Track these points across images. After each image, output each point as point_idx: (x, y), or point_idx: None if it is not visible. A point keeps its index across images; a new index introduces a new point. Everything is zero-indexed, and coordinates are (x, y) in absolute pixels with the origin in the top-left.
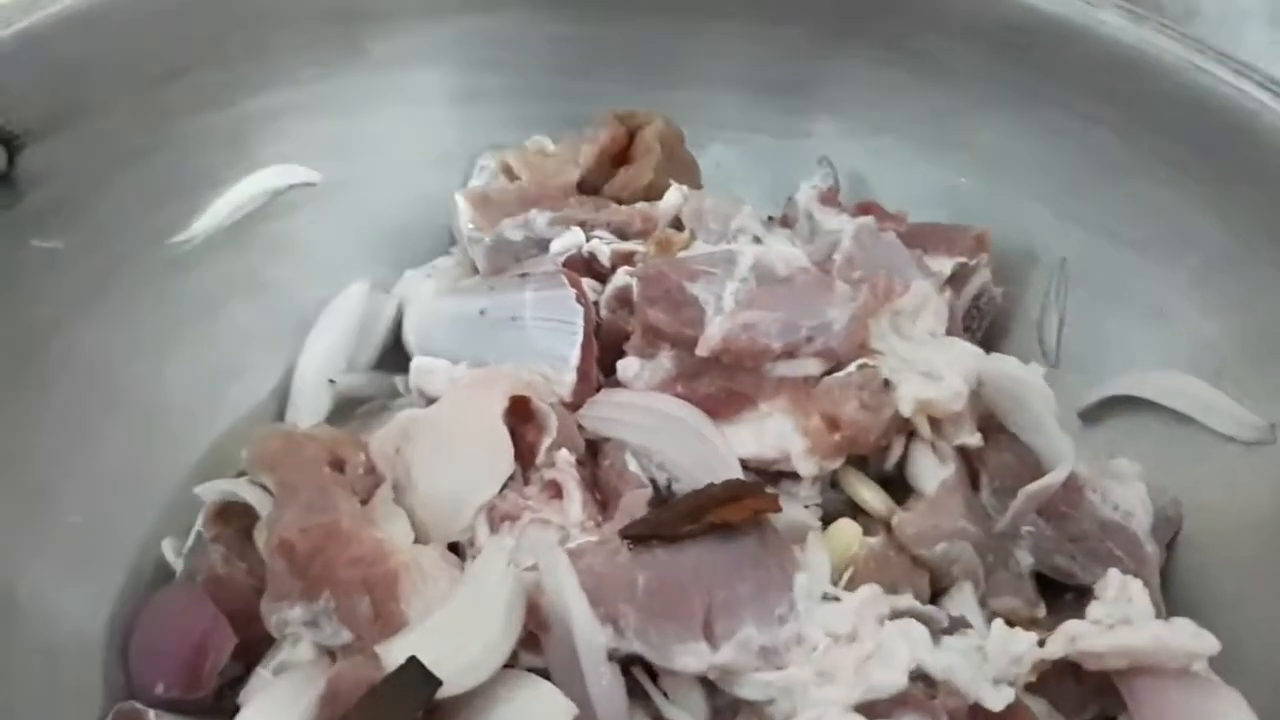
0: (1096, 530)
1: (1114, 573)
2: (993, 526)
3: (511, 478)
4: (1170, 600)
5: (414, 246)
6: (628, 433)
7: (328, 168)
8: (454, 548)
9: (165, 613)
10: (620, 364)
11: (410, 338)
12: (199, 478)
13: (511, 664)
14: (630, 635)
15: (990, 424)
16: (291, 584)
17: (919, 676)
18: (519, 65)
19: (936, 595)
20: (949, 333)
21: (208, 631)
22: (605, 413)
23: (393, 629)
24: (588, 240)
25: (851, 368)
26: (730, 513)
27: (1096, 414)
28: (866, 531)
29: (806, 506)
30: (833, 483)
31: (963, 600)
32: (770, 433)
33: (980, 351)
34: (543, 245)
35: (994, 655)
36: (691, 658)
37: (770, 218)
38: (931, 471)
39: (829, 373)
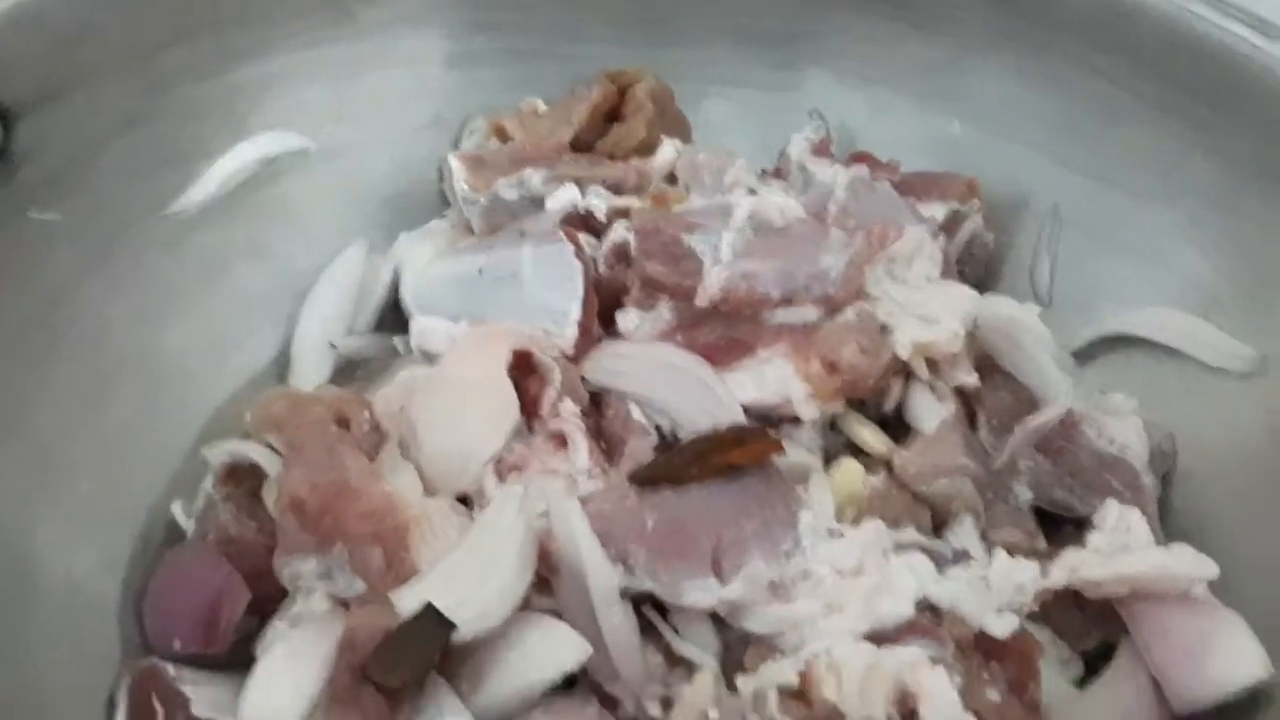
0: (1094, 464)
1: (1112, 503)
2: (991, 463)
3: (517, 430)
4: (1168, 531)
5: (408, 211)
6: (630, 383)
7: (320, 134)
8: (463, 500)
9: (179, 571)
10: (620, 316)
11: (408, 299)
12: (204, 441)
13: (524, 608)
14: (641, 573)
15: (986, 364)
16: (303, 539)
17: (925, 607)
18: (508, 27)
19: (938, 531)
20: (943, 277)
21: (222, 587)
22: (608, 364)
23: (404, 579)
24: (583, 197)
25: (849, 313)
26: (735, 455)
27: (1090, 353)
28: (868, 471)
29: (809, 450)
30: (833, 426)
31: (964, 534)
32: (770, 378)
33: (975, 294)
34: (538, 203)
35: (997, 584)
36: (701, 593)
37: (764, 171)
38: (930, 411)
39: (826, 318)
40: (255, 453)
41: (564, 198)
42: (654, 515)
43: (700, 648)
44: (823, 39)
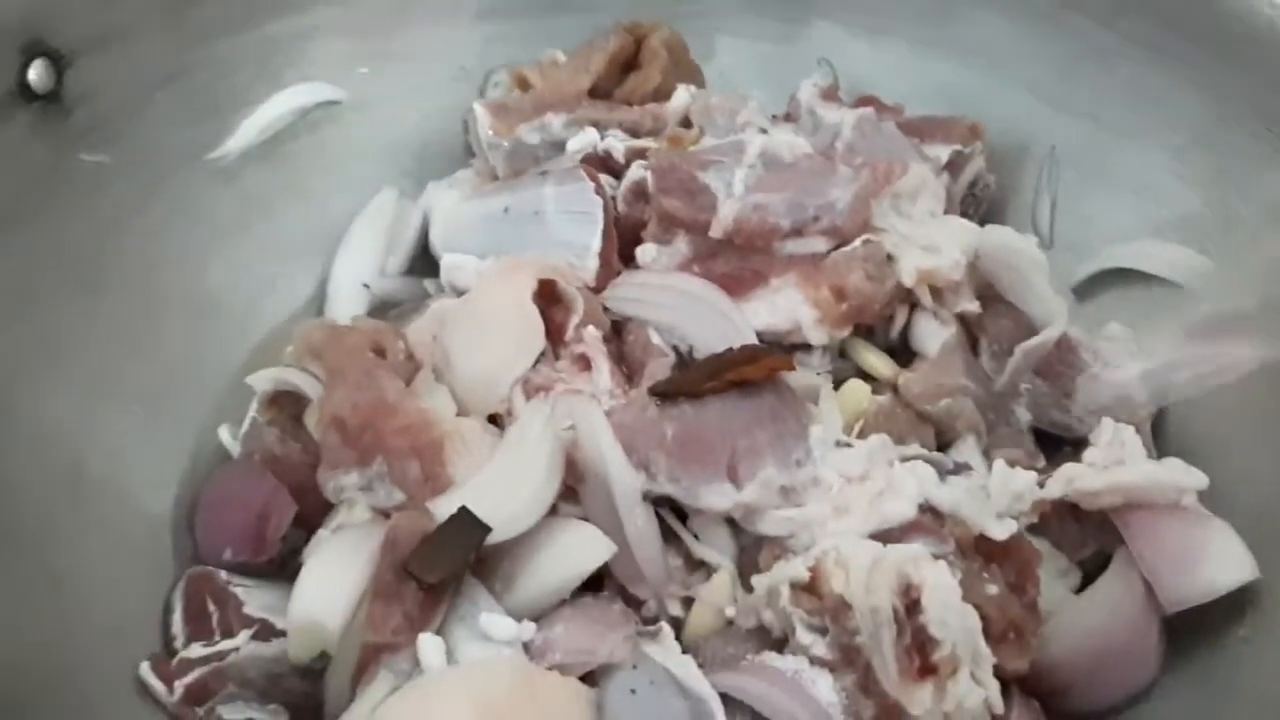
0: (1091, 387)
1: (1107, 421)
2: (993, 386)
3: (543, 355)
4: (1161, 449)
5: (434, 160)
6: (649, 310)
7: (351, 86)
8: (493, 421)
9: (229, 486)
10: (639, 250)
11: (437, 240)
12: (246, 371)
13: (552, 514)
14: (661, 478)
15: (988, 294)
16: (345, 454)
17: (927, 509)
18: None
19: (942, 449)
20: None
21: (269, 499)
22: (628, 293)
23: (440, 490)
24: (602, 139)
25: (856, 243)
26: (748, 371)
27: (1088, 289)
28: (875, 394)
29: (818, 373)
30: (841, 352)
31: (967, 451)
32: (782, 305)
33: (976, 227)
34: (560, 147)
35: (996, 491)
36: (718, 497)
37: (774, 116)
38: (933, 335)
39: (835, 249)
40: (297, 378)
41: (584, 140)
42: (673, 426)
43: (717, 550)
44: None
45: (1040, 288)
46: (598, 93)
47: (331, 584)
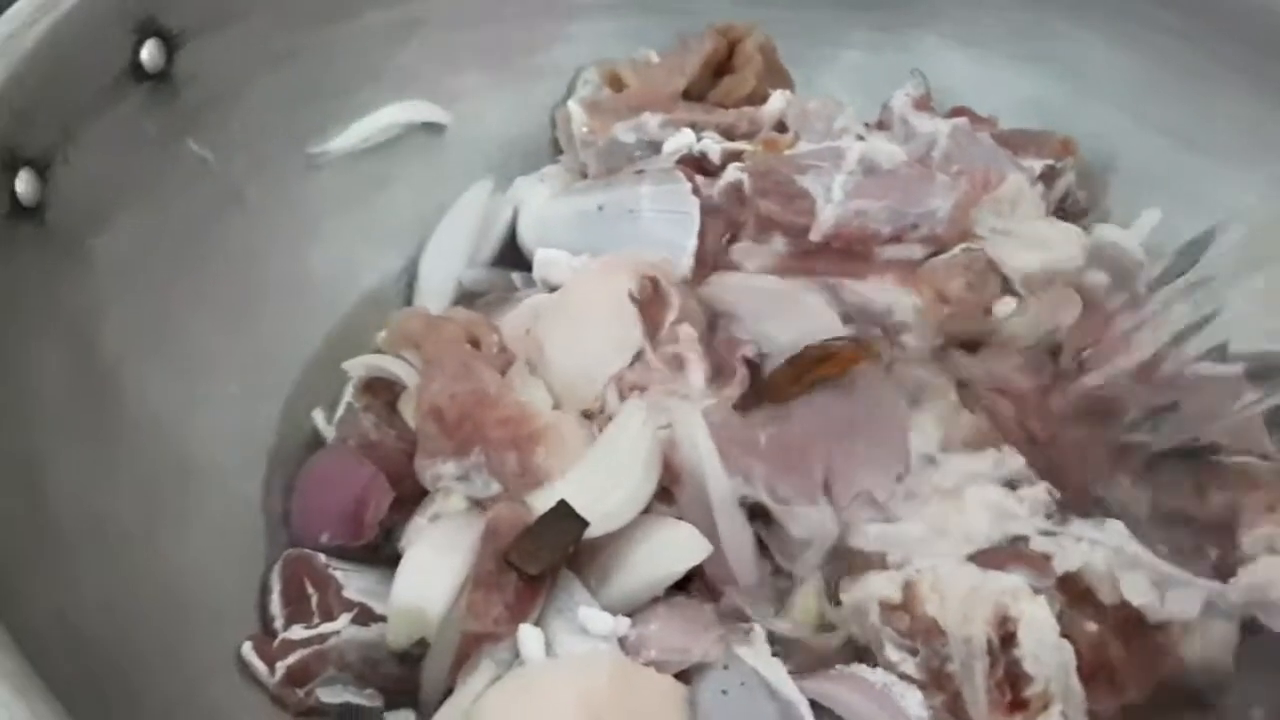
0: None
1: None
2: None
3: (639, 353)
4: None
5: (522, 156)
6: (738, 306)
7: (445, 79)
8: (586, 416)
9: (327, 469)
10: (735, 248)
11: (528, 236)
12: (333, 355)
13: (648, 513)
14: (758, 486)
15: None
16: (443, 443)
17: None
18: None
19: None
20: None
21: (367, 484)
22: (716, 291)
23: (535, 482)
24: (698, 141)
25: (956, 250)
26: (827, 369)
27: None
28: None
29: (920, 374)
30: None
31: None
32: (881, 294)
33: (1082, 231)
34: (654, 147)
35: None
36: (813, 510)
37: (866, 124)
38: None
39: (932, 256)
40: (393, 365)
41: (680, 140)
42: (766, 432)
43: (806, 561)
44: (922, 3)
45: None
46: (691, 95)
47: (432, 571)
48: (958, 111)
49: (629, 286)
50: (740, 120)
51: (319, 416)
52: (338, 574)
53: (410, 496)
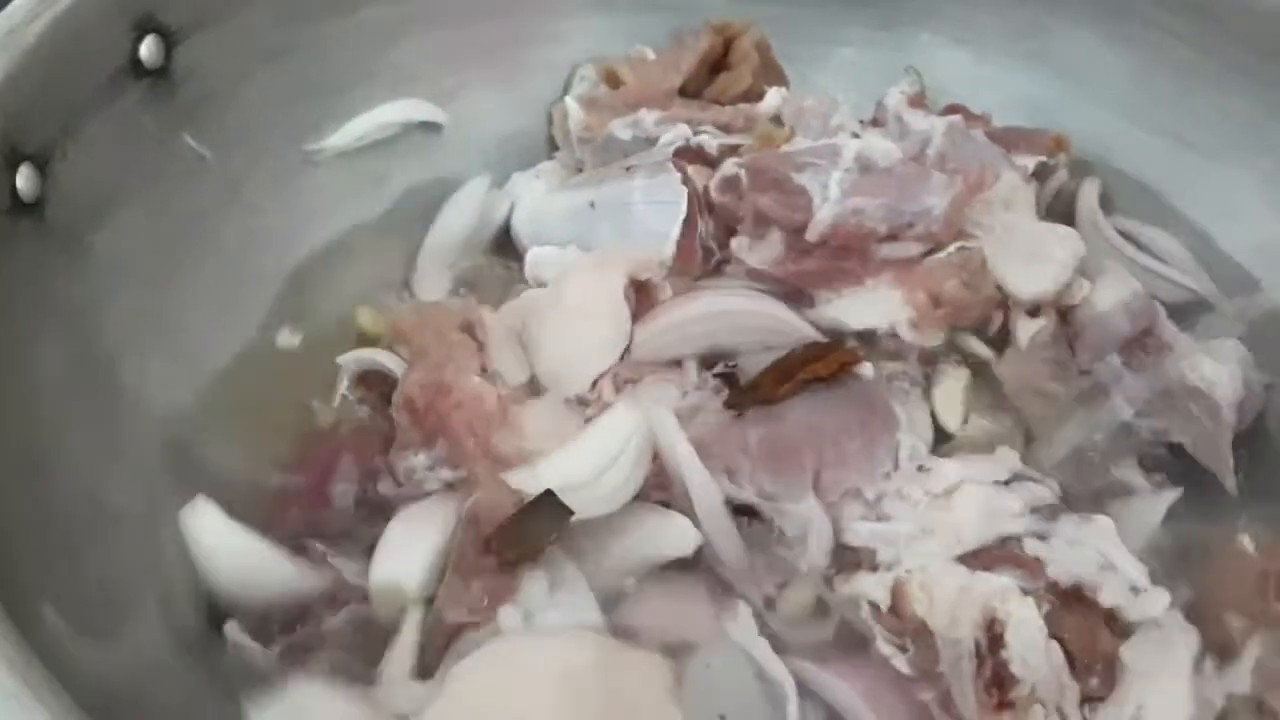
0: (1180, 390)
1: None
2: (1084, 382)
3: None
4: (1251, 484)
5: (520, 152)
6: (698, 343)
7: (443, 76)
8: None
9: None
10: (734, 242)
11: (521, 230)
12: (333, 348)
13: (641, 499)
14: (746, 486)
15: None
16: (414, 435)
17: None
18: None
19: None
20: None
21: (330, 461)
22: (664, 338)
23: (503, 464)
24: (694, 135)
25: (951, 249)
26: (817, 368)
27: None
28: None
29: (909, 377)
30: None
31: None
32: (877, 304)
33: (1076, 233)
34: (651, 143)
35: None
36: (803, 510)
37: (860, 121)
38: (1025, 329)
39: (929, 254)
40: (384, 359)
41: (676, 134)
42: (757, 431)
43: (809, 556)
44: (915, 1)
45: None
46: (687, 92)
47: (404, 552)
48: (952, 109)
49: (623, 283)
50: (737, 117)
51: (317, 407)
52: (336, 562)
53: None
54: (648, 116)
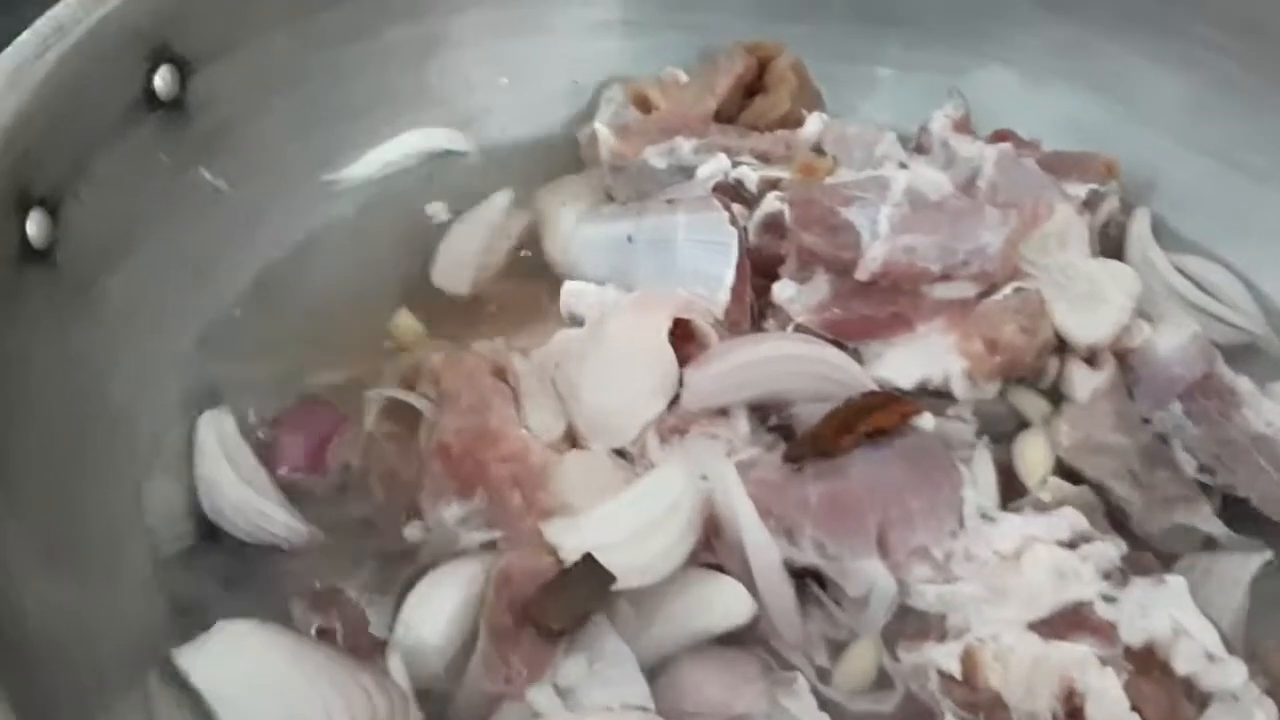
0: (1244, 439)
1: None
2: (1147, 432)
3: (677, 396)
4: None
5: (545, 172)
6: (752, 390)
7: (466, 96)
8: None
9: (299, 412)
10: (775, 287)
11: (555, 258)
12: (352, 355)
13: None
14: (807, 547)
15: None
16: (448, 483)
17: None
18: None
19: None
20: None
21: (333, 427)
22: (711, 386)
23: (546, 518)
24: (733, 167)
25: (1007, 290)
26: (879, 419)
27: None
28: None
29: (964, 421)
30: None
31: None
32: (928, 354)
33: (1133, 271)
34: (687, 172)
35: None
36: (867, 571)
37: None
38: (1085, 382)
39: (983, 295)
40: (411, 398)
41: (715, 167)
42: (817, 489)
43: (869, 618)
44: (955, 19)
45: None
46: (721, 116)
47: (429, 614)
48: (1000, 136)
49: (667, 327)
50: (776, 144)
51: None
52: (367, 609)
53: None
54: (684, 144)
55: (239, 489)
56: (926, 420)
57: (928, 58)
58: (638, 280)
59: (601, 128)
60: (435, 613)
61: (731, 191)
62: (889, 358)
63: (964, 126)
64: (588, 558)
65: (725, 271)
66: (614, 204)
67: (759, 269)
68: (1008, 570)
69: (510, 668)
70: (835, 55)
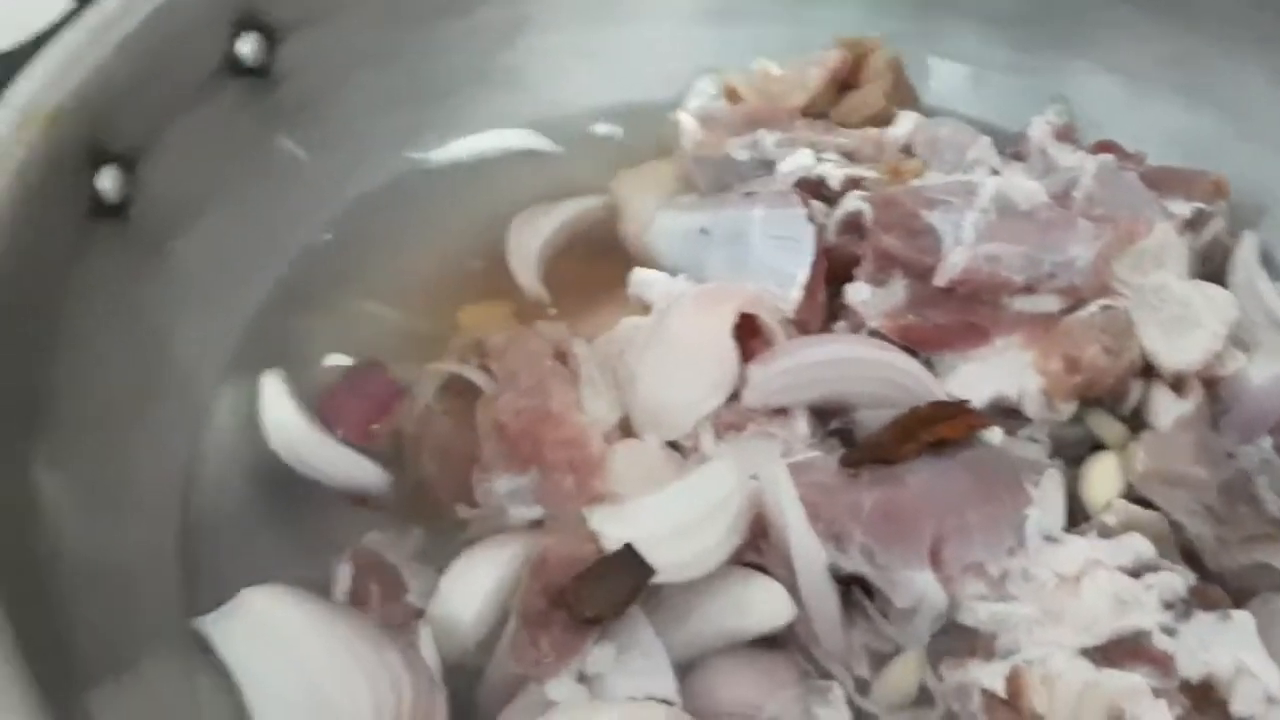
0: None
1: None
2: (1230, 465)
3: (736, 392)
4: None
5: (627, 157)
6: (809, 393)
7: (553, 79)
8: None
9: (363, 377)
10: (850, 289)
11: (631, 245)
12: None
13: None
14: (855, 554)
15: None
16: (501, 458)
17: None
18: None
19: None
20: None
21: (392, 397)
22: (780, 382)
23: (593, 505)
24: (817, 163)
25: (1094, 307)
26: (944, 429)
27: None
28: None
29: (1036, 441)
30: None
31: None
32: (1004, 370)
33: (1231, 296)
34: (769, 166)
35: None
36: (917, 583)
37: (1001, 153)
38: (1169, 410)
39: (1068, 311)
40: (471, 374)
41: (798, 162)
42: (873, 495)
43: (914, 631)
44: (1067, 24)
45: None
46: (811, 112)
47: (464, 590)
48: (1103, 147)
49: (732, 321)
50: (864, 143)
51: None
52: (406, 575)
53: None
54: (767, 138)
55: (314, 435)
56: (994, 434)
57: (1034, 61)
58: (710, 272)
59: (686, 116)
60: (472, 589)
61: (813, 188)
62: (963, 372)
63: (1066, 135)
64: (628, 548)
65: (799, 269)
66: (693, 194)
67: (834, 269)
68: (1065, 593)
69: (539, 651)
70: (937, 52)
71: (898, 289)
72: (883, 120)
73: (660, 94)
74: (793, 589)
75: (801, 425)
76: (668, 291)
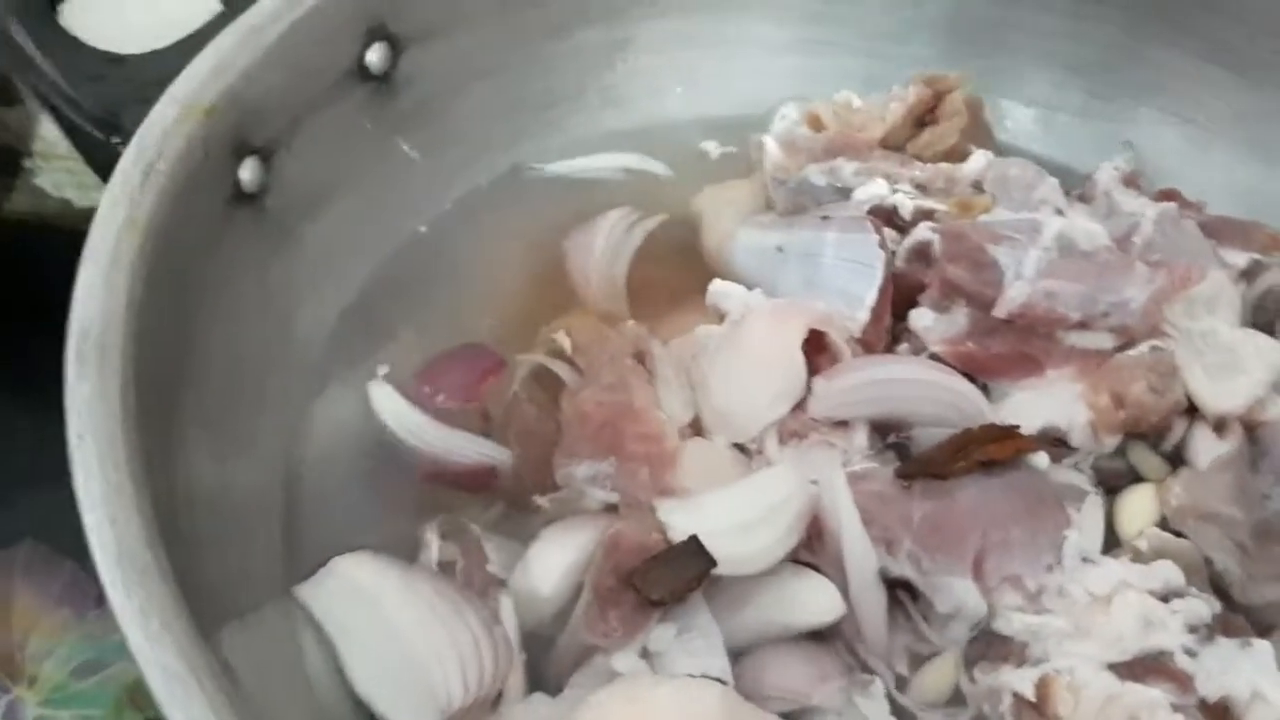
0: None
1: None
2: (1265, 509)
3: (801, 402)
4: None
5: (712, 176)
6: (872, 409)
7: (648, 97)
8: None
9: (464, 351)
10: (914, 313)
11: (710, 256)
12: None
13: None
14: (903, 560)
15: None
16: (583, 445)
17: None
18: (839, 21)
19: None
20: None
21: (493, 366)
22: (840, 398)
23: (664, 497)
24: (891, 193)
25: (1144, 347)
26: (994, 450)
27: None
28: None
29: (1079, 470)
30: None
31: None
32: (1054, 401)
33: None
34: (845, 193)
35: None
36: (959, 590)
37: (1067, 193)
38: (1208, 450)
39: (1119, 349)
40: (557, 366)
41: (872, 190)
42: (923, 506)
43: (951, 634)
44: (1143, 74)
45: None
46: (888, 144)
47: (545, 566)
48: (1166, 195)
49: (801, 335)
50: (937, 176)
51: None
52: (488, 546)
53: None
54: (845, 166)
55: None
56: (1041, 459)
57: (1107, 107)
58: (783, 289)
59: (769, 140)
60: (550, 565)
61: (886, 216)
62: (1015, 399)
63: (1132, 181)
64: (693, 539)
65: (868, 292)
66: (771, 213)
67: (900, 294)
68: (1096, 610)
69: (608, 624)
70: (1013, 94)
71: (959, 317)
72: (957, 156)
73: (748, 118)
74: (843, 588)
75: (861, 437)
76: (743, 303)
